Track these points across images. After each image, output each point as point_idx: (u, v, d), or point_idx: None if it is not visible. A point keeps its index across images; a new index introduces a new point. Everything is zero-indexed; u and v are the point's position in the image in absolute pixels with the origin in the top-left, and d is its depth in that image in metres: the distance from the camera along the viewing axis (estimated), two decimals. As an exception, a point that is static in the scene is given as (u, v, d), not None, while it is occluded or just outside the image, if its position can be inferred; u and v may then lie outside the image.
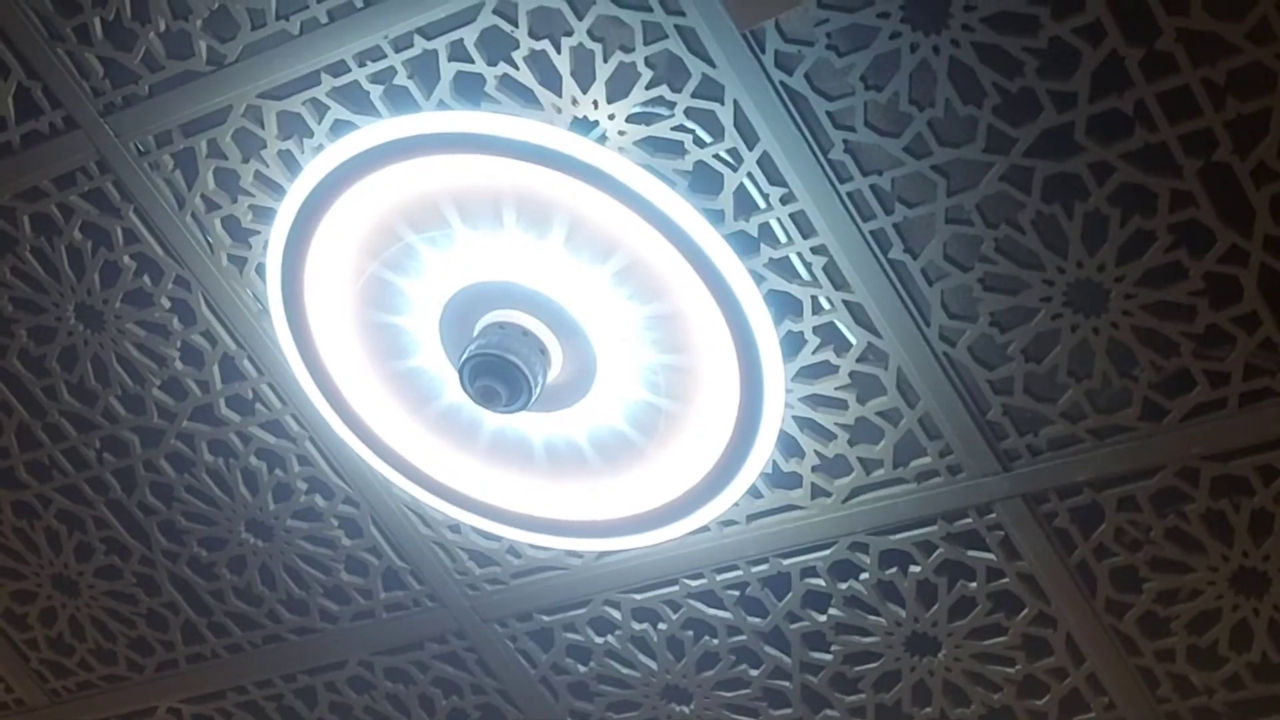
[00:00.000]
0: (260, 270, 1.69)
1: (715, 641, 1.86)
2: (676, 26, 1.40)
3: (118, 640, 2.13)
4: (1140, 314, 1.44)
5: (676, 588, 1.85)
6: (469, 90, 1.52)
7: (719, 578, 1.81)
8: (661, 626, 1.89)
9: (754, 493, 1.72)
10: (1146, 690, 1.75)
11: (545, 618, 1.93)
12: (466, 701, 2.05)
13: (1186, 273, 1.43)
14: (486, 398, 1.50)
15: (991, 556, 1.66)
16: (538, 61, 1.47)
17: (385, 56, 1.48)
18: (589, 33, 1.44)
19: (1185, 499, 1.61)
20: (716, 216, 1.51)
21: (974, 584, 1.70)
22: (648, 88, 1.47)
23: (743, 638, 1.84)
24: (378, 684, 2.08)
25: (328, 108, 1.54)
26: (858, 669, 1.81)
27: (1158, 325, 1.44)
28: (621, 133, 1.49)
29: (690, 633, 1.88)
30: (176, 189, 1.66)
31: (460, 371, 1.50)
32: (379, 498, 1.89)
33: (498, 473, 1.75)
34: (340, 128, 1.55)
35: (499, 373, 1.50)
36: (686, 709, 1.92)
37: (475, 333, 1.55)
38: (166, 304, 1.76)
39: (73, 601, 2.09)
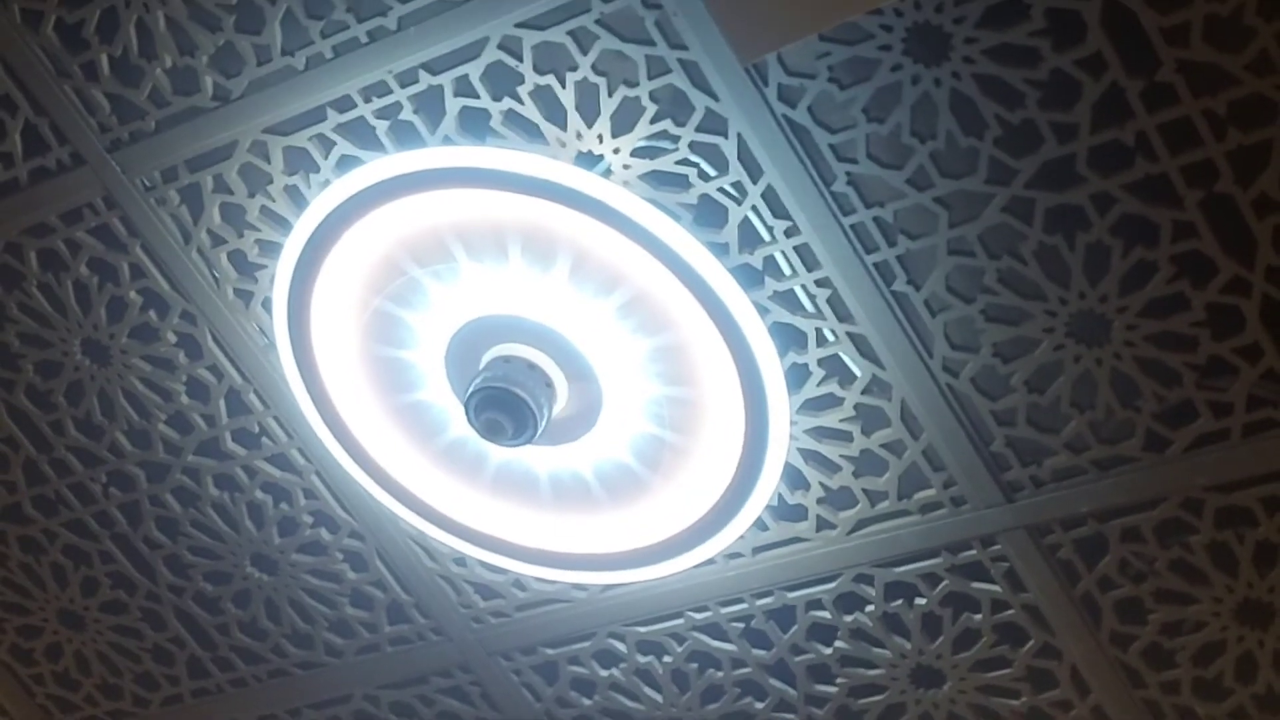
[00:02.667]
0: (266, 305, 1.70)
1: (720, 674, 1.86)
2: (680, 61, 1.41)
3: (123, 675, 2.13)
4: (1143, 345, 1.43)
5: (681, 620, 1.85)
6: (474, 125, 1.52)
7: (724, 610, 1.81)
8: (666, 659, 1.88)
9: (759, 525, 1.72)
10: (1152, 722, 1.72)
11: (550, 651, 1.93)
12: None
13: (1189, 304, 1.41)
14: (492, 431, 1.51)
15: (996, 588, 1.65)
16: (542, 96, 1.47)
17: (391, 92, 1.49)
18: (593, 67, 1.44)
19: (1189, 530, 1.59)
20: (721, 249, 1.51)
21: (979, 616, 1.69)
22: (652, 122, 1.46)
23: (747, 670, 1.84)
24: (383, 717, 2.08)
25: (334, 143, 1.54)
26: (862, 701, 1.80)
27: (1160, 356, 1.43)
28: (626, 166, 1.49)
29: (695, 665, 1.88)
30: (182, 224, 1.67)
31: (466, 405, 1.52)
32: (384, 531, 1.89)
33: (503, 506, 1.75)
34: (346, 163, 1.55)
35: (504, 406, 1.51)
36: None
37: (481, 366, 1.56)
38: (173, 338, 1.76)
39: (79, 636, 2.08)
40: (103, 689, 2.15)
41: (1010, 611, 1.69)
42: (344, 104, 1.52)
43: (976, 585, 1.67)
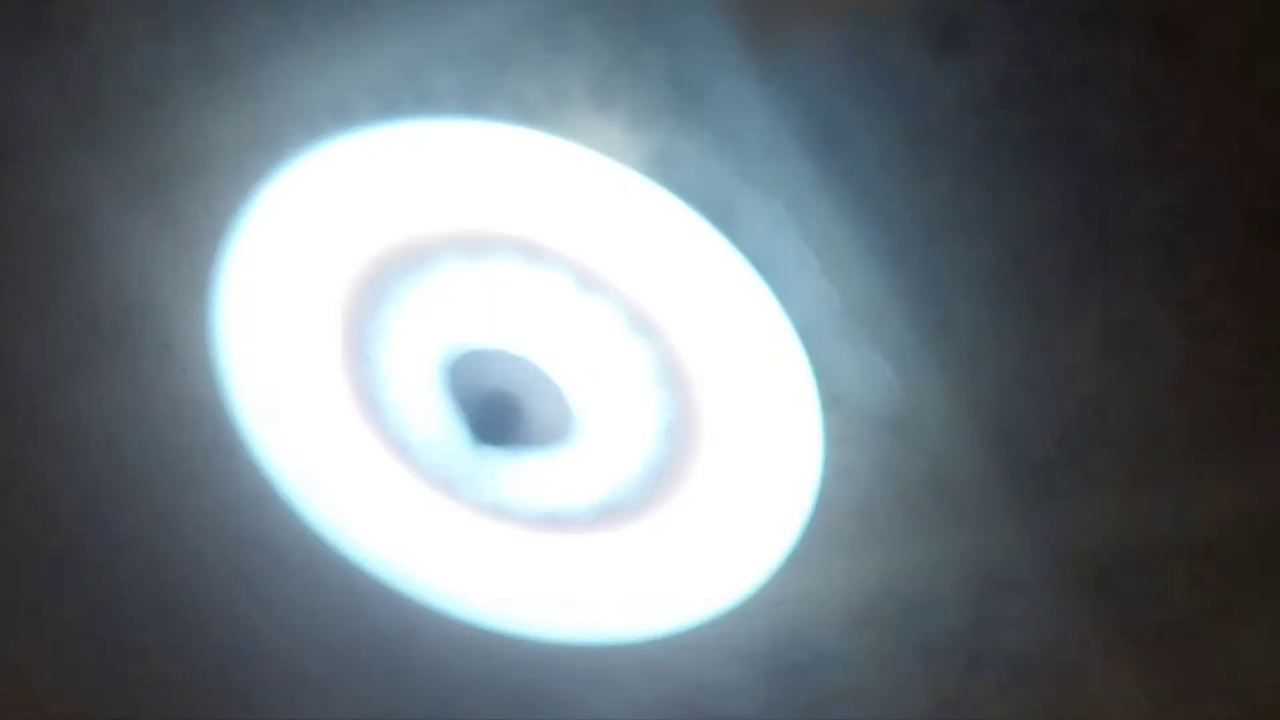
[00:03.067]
0: (213, 297, 1.69)
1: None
2: (672, 35, 1.29)
3: None
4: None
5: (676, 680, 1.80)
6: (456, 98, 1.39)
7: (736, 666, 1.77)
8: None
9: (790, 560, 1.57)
10: None
11: None
12: None
13: None
14: (483, 436, 1.49)
15: (1017, 620, 1.60)
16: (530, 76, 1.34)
17: (346, 81, 1.37)
18: (584, 54, 1.32)
19: None
20: (724, 232, 1.43)
21: (979, 648, 1.69)
22: (643, 111, 1.36)
23: None
24: None
25: (285, 131, 1.44)
26: None
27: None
28: (616, 137, 1.44)
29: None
30: (138, 204, 1.60)
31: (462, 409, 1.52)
32: (338, 572, 1.80)
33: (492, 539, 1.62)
34: (301, 144, 1.42)
35: (489, 411, 1.50)
36: None
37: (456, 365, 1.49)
38: (109, 344, 1.68)
39: None
40: None
41: (1015, 642, 1.67)
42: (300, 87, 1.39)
43: (994, 619, 1.62)
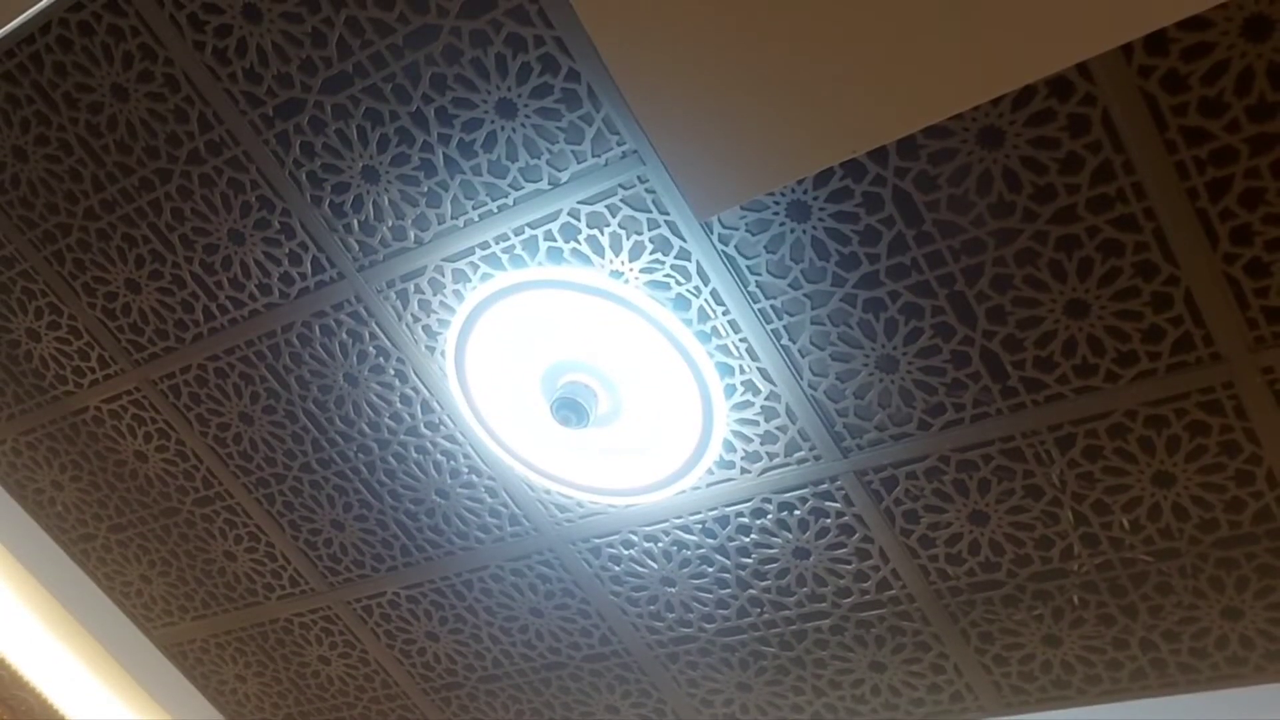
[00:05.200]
0: (443, 353, 2.07)
1: (687, 551, 2.16)
2: (664, 221, 1.75)
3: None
4: (917, 373, 1.81)
5: (667, 523, 2.14)
6: (554, 256, 1.86)
7: (690, 518, 2.12)
8: (658, 544, 2.16)
9: (708, 471, 2.03)
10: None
11: (596, 540, 2.21)
12: (554, 586, 2.33)
13: (940, 350, 1.79)
14: (566, 421, 1.86)
15: (839, 506, 2.01)
16: (591, 240, 1.82)
17: (509, 238, 1.88)
18: (619, 225, 1.79)
19: (941, 473, 1.91)
20: (687, 321, 1.84)
21: (828, 520, 2.03)
22: (650, 254, 1.80)
23: (702, 550, 2.14)
24: (504, 578, 2.37)
25: (478, 266, 1.93)
26: (765, 568, 2.13)
27: (925, 380, 1.82)
28: (636, 278, 1.83)
29: (674, 547, 2.16)
30: (397, 310, 2.03)
31: (551, 406, 1.88)
32: (506, 476, 2.19)
33: (571, 460, 2.06)
34: (485, 276, 1.93)
35: (572, 408, 1.85)
36: (673, 589, 2.22)
37: (558, 385, 1.93)
38: (391, 372, 2.14)
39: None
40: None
41: (845, 518, 2.03)
42: (484, 245, 1.91)
43: (827, 504, 2.03)
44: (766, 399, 1.92)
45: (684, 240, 1.78)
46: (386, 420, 2.19)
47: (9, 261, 2.23)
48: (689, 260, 1.79)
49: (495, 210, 1.86)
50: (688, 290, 1.84)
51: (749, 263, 1.76)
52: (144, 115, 1.93)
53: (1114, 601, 1.97)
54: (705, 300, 1.83)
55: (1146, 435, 1.80)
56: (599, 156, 1.74)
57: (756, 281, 1.78)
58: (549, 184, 1.79)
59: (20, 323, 2.29)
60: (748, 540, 2.10)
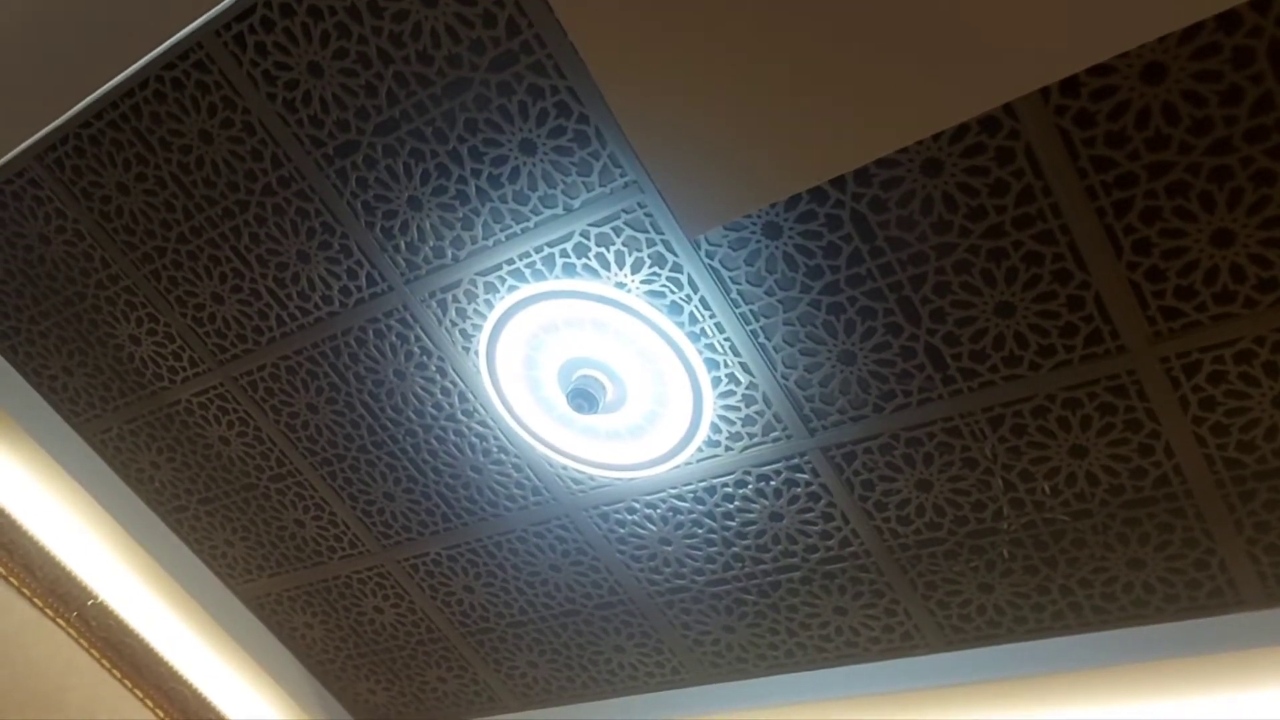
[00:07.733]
0: (476, 353, 2.06)
1: (681, 516, 2.16)
2: (660, 239, 1.77)
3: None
4: (872, 364, 1.82)
5: (663, 493, 2.15)
6: (569, 269, 1.87)
7: (684, 488, 2.12)
8: (657, 510, 2.15)
9: (699, 449, 2.03)
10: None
11: (605, 507, 2.21)
12: (570, 546, 2.29)
13: (890, 345, 1.79)
14: (579, 408, 1.88)
15: (807, 477, 2.00)
16: (599, 257, 1.83)
17: (531, 256, 1.88)
18: (623, 244, 1.80)
19: (894, 449, 1.90)
20: (680, 324, 1.85)
21: (799, 488, 2.01)
22: (648, 268, 1.81)
23: (694, 515, 2.14)
24: (528, 540, 2.35)
25: (505, 279, 1.94)
26: (746, 529, 2.12)
27: (878, 371, 1.83)
28: (637, 288, 1.84)
29: (670, 513, 2.16)
30: (438, 317, 2.03)
31: (567, 395, 1.89)
32: (529, 455, 2.18)
33: (584, 441, 2.07)
34: (511, 287, 1.94)
35: (584, 397, 1.87)
36: (669, 548, 2.23)
37: (572, 378, 1.95)
38: (433, 368, 2.14)
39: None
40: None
41: (812, 487, 2.01)
42: (509, 261, 1.92)
43: (798, 475, 2.02)
44: (746, 388, 1.93)
45: (676, 256, 1.79)
46: (429, 409, 2.19)
47: (114, 279, 2.24)
48: (681, 273, 1.81)
49: (519, 232, 1.87)
50: (680, 298, 1.85)
51: (731, 274, 1.78)
52: (226, 155, 1.94)
53: (1037, 555, 1.97)
54: (695, 306, 1.84)
55: (1064, 415, 1.80)
56: (605, 186, 1.75)
57: (738, 290, 1.79)
58: (564, 210, 1.80)
59: (124, 330, 2.29)
60: (731, 506, 2.10)
